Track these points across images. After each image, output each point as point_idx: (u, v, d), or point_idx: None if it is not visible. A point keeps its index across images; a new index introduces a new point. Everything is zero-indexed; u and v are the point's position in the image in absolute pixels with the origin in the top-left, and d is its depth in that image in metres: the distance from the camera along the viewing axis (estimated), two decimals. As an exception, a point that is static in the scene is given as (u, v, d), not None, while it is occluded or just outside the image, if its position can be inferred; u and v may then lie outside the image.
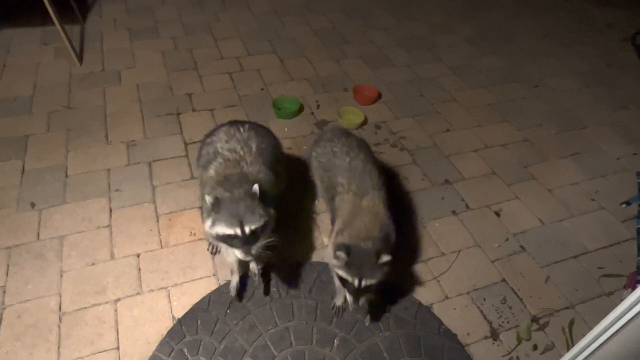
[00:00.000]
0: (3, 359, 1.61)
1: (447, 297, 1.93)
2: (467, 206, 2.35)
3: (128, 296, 1.83)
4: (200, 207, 1.96)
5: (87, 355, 1.64)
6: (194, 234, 2.07)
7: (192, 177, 2.33)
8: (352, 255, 1.51)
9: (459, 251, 2.12)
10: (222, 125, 1.88)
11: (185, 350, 1.67)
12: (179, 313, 1.78)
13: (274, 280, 1.93)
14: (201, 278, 1.91)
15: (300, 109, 2.86)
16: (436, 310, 1.88)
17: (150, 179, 2.32)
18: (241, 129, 1.80)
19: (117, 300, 1.81)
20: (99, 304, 1.79)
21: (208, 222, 1.48)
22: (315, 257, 2.04)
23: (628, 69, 3.64)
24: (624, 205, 2.40)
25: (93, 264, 1.93)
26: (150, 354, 1.66)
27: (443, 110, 3.00)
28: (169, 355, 1.66)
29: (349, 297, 1.57)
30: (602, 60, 3.74)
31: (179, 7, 3.89)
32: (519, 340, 1.81)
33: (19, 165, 2.33)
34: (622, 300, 1.23)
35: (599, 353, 1.31)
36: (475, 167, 2.58)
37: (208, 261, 1.98)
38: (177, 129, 2.64)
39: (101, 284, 1.86)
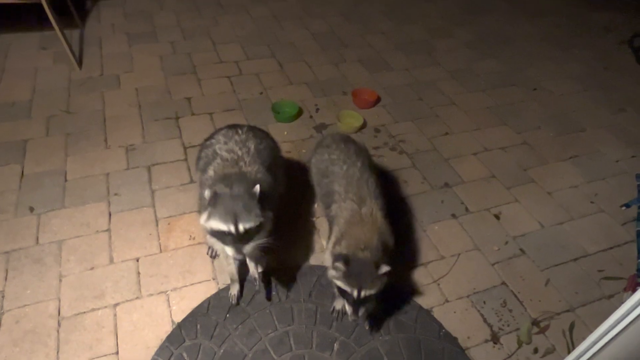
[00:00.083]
0: (1, 365, 1.61)
1: (447, 301, 1.93)
2: (466, 209, 2.35)
3: (127, 301, 1.82)
4: (199, 211, 1.96)
5: (86, 361, 1.64)
6: (193, 238, 2.07)
7: (191, 181, 2.33)
8: (350, 265, 1.49)
9: (459, 254, 2.12)
10: (220, 129, 1.88)
11: (184, 354, 1.66)
12: (179, 317, 1.78)
13: (274, 284, 1.92)
14: (200, 282, 1.91)
15: (299, 112, 2.86)
16: (436, 313, 1.87)
17: (149, 183, 2.32)
18: (239, 131, 1.80)
19: (116, 304, 1.80)
20: (98, 309, 1.78)
21: (204, 216, 1.46)
22: (315, 260, 2.03)
23: (626, 72, 3.65)
24: (623, 208, 2.40)
25: (92, 268, 1.92)
26: (149, 358, 1.65)
27: (442, 113, 3.00)
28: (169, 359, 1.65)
29: (348, 308, 1.55)
30: (599, 63, 3.75)
31: (177, 11, 3.90)
32: (520, 344, 1.80)
33: (18, 169, 2.33)
34: (622, 303, 1.23)
35: (599, 356, 1.31)
36: (474, 171, 2.58)
37: (207, 265, 1.98)
38: (176, 133, 2.64)
39: (100, 288, 1.85)
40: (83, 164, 2.39)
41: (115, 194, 2.24)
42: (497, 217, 2.32)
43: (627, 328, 1.22)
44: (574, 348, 1.71)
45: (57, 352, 1.65)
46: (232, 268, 1.78)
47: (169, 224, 2.13)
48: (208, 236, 1.63)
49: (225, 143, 1.73)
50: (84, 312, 1.77)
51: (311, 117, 2.86)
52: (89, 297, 1.82)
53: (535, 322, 1.87)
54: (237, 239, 1.43)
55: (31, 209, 2.13)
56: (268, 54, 3.44)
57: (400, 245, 2.11)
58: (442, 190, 2.44)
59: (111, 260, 1.96)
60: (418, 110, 3.02)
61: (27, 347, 1.65)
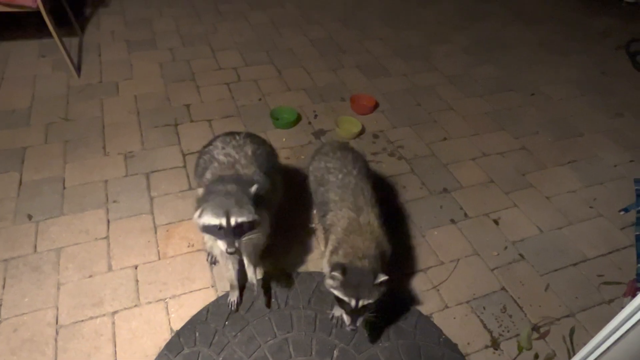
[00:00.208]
0: (-1, 374, 1.60)
1: (447, 307, 1.92)
2: (465, 215, 2.35)
3: (126, 308, 1.81)
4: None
5: (84, 369, 1.63)
6: (192, 245, 2.07)
7: (190, 188, 2.33)
8: (348, 275, 1.48)
9: (458, 260, 2.12)
10: (218, 136, 1.88)
11: (183, 362, 1.66)
12: (177, 325, 1.77)
13: (273, 290, 1.92)
14: (199, 289, 1.90)
15: (298, 119, 2.87)
16: (436, 319, 1.87)
17: (148, 190, 2.31)
18: (237, 137, 1.81)
19: (115, 312, 1.80)
20: (96, 317, 1.78)
21: (197, 212, 1.46)
22: (314, 267, 2.03)
23: (623, 77, 3.67)
24: (622, 213, 2.41)
25: (90, 276, 1.91)
26: (148, 367, 1.65)
27: (440, 119, 3.01)
28: (167, 368, 1.64)
29: (345, 318, 1.54)
30: (597, 68, 3.77)
31: (176, 18, 3.92)
32: (520, 350, 1.80)
33: (16, 177, 2.32)
34: (622, 308, 1.23)
35: (600, 362, 1.31)
36: (473, 176, 2.58)
37: (206, 272, 1.97)
38: (175, 139, 2.64)
39: (98, 296, 1.84)
40: (82, 171, 2.38)
41: (114, 201, 2.24)
42: (496, 222, 2.32)
43: (628, 333, 1.22)
44: (574, 354, 1.71)
45: (55, 361, 1.64)
46: (232, 274, 1.78)
47: (167, 231, 2.12)
48: (206, 240, 1.62)
49: (223, 148, 1.74)
50: (82, 320, 1.76)
51: (310, 123, 2.87)
52: (87, 305, 1.81)
53: (535, 328, 1.87)
54: (230, 233, 1.42)
55: (29, 217, 2.13)
56: (266, 61, 3.45)
57: (400, 251, 2.12)
58: (441, 196, 2.44)
59: (110, 268, 1.95)
60: (416, 115, 3.02)
61: (25, 356, 1.64)
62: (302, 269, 2.02)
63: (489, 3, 4.76)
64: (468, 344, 1.80)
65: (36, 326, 1.73)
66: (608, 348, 1.28)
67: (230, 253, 1.45)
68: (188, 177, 2.39)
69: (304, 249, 2.11)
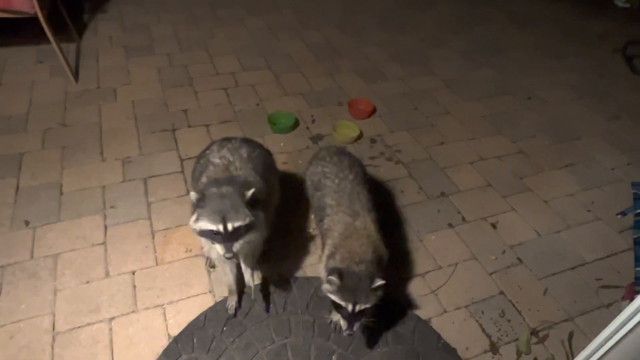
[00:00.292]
0: (-5, 382, 1.59)
1: (445, 311, 1.92)
2: (463, 219, 2.34)
3: (123, 314, 1.80)
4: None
5: (81, 376, 1.62)
6: (190, 251, 2.06)
7: (188, 193, 2.33)
8: (345, 279, 1.48)
9: (456, 264, 2.12)
10: (215, 141, 1.88)
11: (181, 369, 1.65)
12: (175, 331, 1.76)
13: (271, 295, 1.91)
14: (197, 295, 1.90)
15: (296, 123, 2.87)
16: (435, 324, 1.86)
17: (145, 195, 2.31)
18: (233, 141, 1.81)
19: (112, 319, 1.79)
20: (94, 323, 1.77)
21: (192, 217, 1.45)
22: (312, 271, 2.02)
23: (619, 80, 3.68)
24: (619, 216, 2.40)
25: (87, 282, 1.91)
26: (145, 373, 1.64)
27: (437, 123, 3.02)
28: (165, 374, 1.63)
29: (342, 323, 1.53)
30: (594, 71, 3.79)
31: (174, 24, 3.92)
32: (519, 354, 1.79)
33: (13, 183, 2.32)
34: (620, 311, 1.22)
35: (599, 366, 1.30)
36: (470, 180, 2.58)
37: (204, 277, 1.96)
38: (172, 145, 2.64)
39: (96, 302, 1.83)
40: (79, 177, 2.38)
41: (111, 207, 2.23)
42: (494, 226, 2.32)
43: (626, 337, 1.22)
44: (573, 358, 1.71)
45: (52, 368, 1.63)
46: (230, 278, 1.77)
47: (165, 236, 2.12)
48: (203, 243, 1.62)
49: (218, 151, 1.74)
50: (79, 327, 1.75)
51: (307, 128, 2.87)
52: (84, 311, 1.80)
53: (534, 332, 1.87)
54: (227, 238, 1.42)
55: (26, 223, 2.12)
56: (264, 66, 3.46)
57: (397, 255, 2.12)
58: (439, 200, 2.44)
59: (107, 274, 1.94)
60: (414, 120, 3.03)
61: (22, 363, 1.63)
62: (300, 273, 2.02)
63: (486, 7, 4.78)
64: (467, 348, 1.80)
65: (33, 333, 1.72)
66: (606, 352, 1.28)
67: (228, 258, 1.44)
68: (186, 182, 2.39)
69: (302, 254, 2.11)
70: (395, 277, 2.02)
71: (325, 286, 1.53)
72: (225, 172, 1.63)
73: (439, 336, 1.82)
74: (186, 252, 2.06)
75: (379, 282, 1.48)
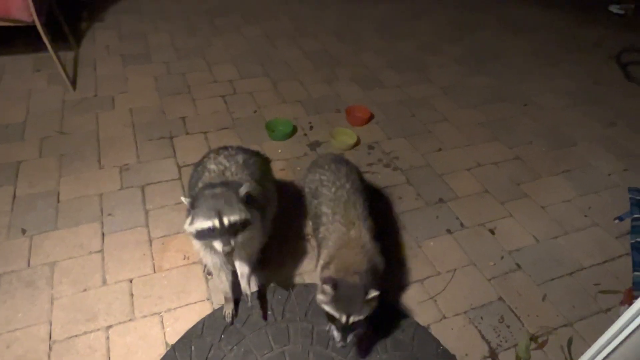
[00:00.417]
0: (-9, 392, 1.57)
1: (444, 317, 1.91)
2: (461, 225, 2.35)
3: (120, 323, 1.79)
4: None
5: (78, 386, 1.60)
6: (188, 258, 2.05)
7: (186, 201, 2.32)
8: (339, 290, 1.47)
9: (455, 270, 2.11)
10: (212, 149, 1.89)
11: (178, 377, 1.63)
12: (173, 339, 1.75)
13: (269, 303, 1.90)
14: (195, 303, 1.89)
15: (294, 130, 2.88)
16: (434, 330, 1.86)
17: (143, 203, 2.31)
18: (229, 149, 1.81)
19: (109, 327, 1.77)
20: (91, 332, 1.75)
21: (187, 221, 1.44)
22: (310, 279, 2.02)
23: (615, 86, 3.71)
24: (617, 221, 2.42)
25: (85, 290, 1.90)
26: (142, 382, 1.62)
27: (435, 129, 3.03)
28: (162, 383, 1.62)
29: (336, 334, 1.53)
30: (589, 78, 3.82)
31: (171, 32, 3.94)
32: (518, 360, 1.79)
33: (10, 191, 2.31)
34: (619, 316, 1.23)
35: (598, 371, 1.30)
36: (468, 186, 2.59)
37: (202, 285, 1.96)
38: (170, 152, 2.64)
39: (93, 310, 1.82)
40: (76, 185, 2.37)
41: (109, 215, 2.23)
42: (492, 232, 2.32)
43: (625, 342, 1.22)
44: (572, 363, 1.71)
45: (48, 377, 1.62)
46: (226, 286, 1.77)
47: (163, 243, 2.11)
48: (197, 249, 1.61)
49: (215, 159, 1.74)
50: (76, 336, 1.74)
51: (305, 135, 2.88)
52: (81, 319, 1.79)
53: (533, 338, 1.86)
54: (224, 233, 1.40)
55: (23, 231, 2.11)
56: (261, 73, 3.47)
57: (396, 262, 2.11)
58: (437, 206, 2.44)
59: (104, 282, 1.93)
60: (411, 126, 3.04)
61: (18, 373, 1.62)
62: (298, 280, 2.01)
63: (481, 14, 4.82)
64: (466, 355, 1.79)
65: (29, 342, 1.70)
66: (606, 357, 1.27)
67: (227, 253, 1.42)
68: (183, 189, 2.39)
69: (300, 261, 2.10)
70: (393, 284, 2.02)
71: (319, 296, 1.52)
72: (220, 178, 1.63)
73: (438, 343, 1.81)
74: (184, 259, 2.05)
75: (373, 293, 1.47)
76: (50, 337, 1.72)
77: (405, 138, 2.92)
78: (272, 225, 1.90)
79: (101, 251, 2.06)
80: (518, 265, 2.16)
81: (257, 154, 1.93)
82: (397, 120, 3.10)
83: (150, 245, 2.10)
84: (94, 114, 2.90)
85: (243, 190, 1.44)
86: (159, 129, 2.82)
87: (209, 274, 1.98)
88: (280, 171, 2.54)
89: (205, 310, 1.86)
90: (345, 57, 3.79)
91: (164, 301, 1.88)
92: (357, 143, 2.83)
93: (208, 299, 1.90)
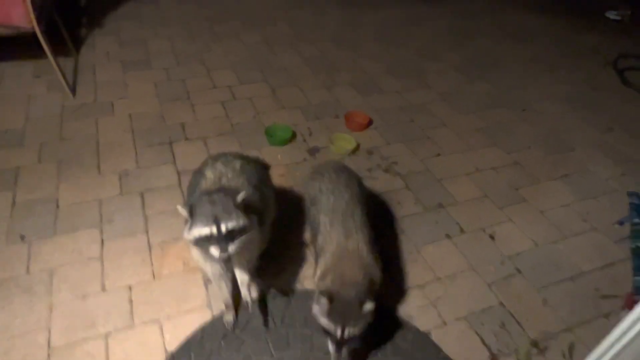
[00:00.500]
0: (-12, 399, 1.56)
1: (444, 323, 1.91)
2: (461, 230, 2.35)
3: (119, 330, 1.78)
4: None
5: (77, 393, 1.59)
6: (188, 264, 2.05)
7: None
8: (334, 302, 1.47)
9: (455, 275, 2.11)
10: (210, 156, 1.89)
11: (178, 384, 1.63)
12: (172, 346, 1.74)
13: (268, 309, 1.90)
14: (195, 309, 1.88)
15: (293, 136, 2.88)
16: (434, 336, 1.85)
17: (142, 208, 2.30)
18: (227, 155, 1.82)
19: (108, 334, 1.76)
20: (89, 338, 1.74)
21: (185, 228, 1.44)
22: (310, 285, 2.01)
23: (612, 92, 3.73)
24: (617, 225, 2.42)
25: (83, 296, 1.89)
26: (142, 389, 1.61)
27: (433, 135, 3.04)
28: (162, 390, 1.61)
29: (330, 347, 1.52)
30: (587, 84, 3.84)
31: (171, 38, 3.96)
32: (519, 366, 1.78)
33: (9, 197, 2.31)
34: (620, 321, 1.22)
35: (600, 376, 1.30)
36: (467, 191, 2.59)
37: (202, 291, 1.95)
38: (169, 158, 2.64)
39: (91, 317, 1.81)
40: (76, 191, 2.37)
41: (108, 221, 2.22)
42: (491, 237, 2.32)
43: (626, 347, 1.21)
44: (573, 369, 1.70)
45: (47, 385, 1.60)
46: (226, 293, 1.76)
47: (162, 250, 2.11)
48: (196, 259, 1.61)
49: (212, 165, 1.74)
50: (75, 342, 1.73)
51: (304, 140, 2.88)
52: (80, 326, 1.78)
53: (534, 343, 1.86)
54: (221, 239, 1.40)
55: (22, 237, 2.11)
56: (261, 79, 3.48)
57: (395, 267, 2.11)
58: (436, 211, 2.44)
59: (103, 288, 1.93)
60: (410, 132, 3.05)
61: (16, 380, 1.61)
62: (298, 286, 2.01)
63: (479, 21, 4.85)
64: (467, 360, 1.79)
65: (28, 349, 1.69)
66: (607, 362, 1.27)
67: (224, 259, 1.42)
68: (183, 195, 2.39)
69: (300, 267, 2.10)
70: (393, 289, 2.01)
71: (315, 308, 1.52)
72: (218, 185, 1.63)
73: (439, 349, 1.80)
74: (184, 265, 2.04)
75: (369, 306, 1.47)
76: (49, 344, 1.71)
77: (404, 143, 2.93)
78: (271, 231, 1.90)
79: (100, 257, 2.05)
80: (518, 270, 2.16)
81: (255, 160, 1.93)
82: (396, 125, 3.10)
83: (150, 251, 2.10)
84: (94, 119, 2.90)
85: (240, 197, 1.45)
86: (158, 134, 2.82)
87: (209, 281, 1.97)
88: (279, 177, 2.54)
89: (205, 317, 1.85)
90: (344, 63, 3.81)
91: (164, 308, 1.87)
92: (356, 148, 2.83)
93: (208, 306, 1.89)
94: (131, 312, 1.84)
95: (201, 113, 3.05)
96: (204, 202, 1.43)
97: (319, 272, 1.65)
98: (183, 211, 1.42)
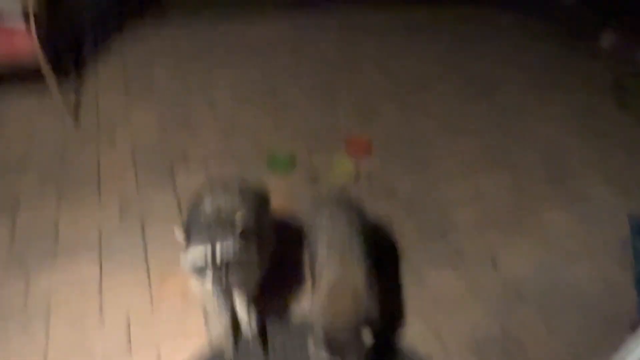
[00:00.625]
0: None
1: (447, 351, 1.88)
2: (462, 256, 2.33)
3: (117, 357, 1.75)
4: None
5: None
6: (186, 292, 2.02)
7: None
8: (332, 340, 1.47)
9: (457, 302, 2.09)
10: (208, 183, 1.90)
11: (176, 417, 1.59)
12: (170, 376, 1.71)
13: (268, 335, 1.87)
14: (193, 338, 1.85)
15: (293, 163, 2.89)
16: (437, 365, 1.82)
17: (142, 236, 2.30)
18: (226, 183, 1.83)
19: (106, 364, 1.74)
20: (86, 369, 1.72)
21: (182, 257, 1.43)
22: (308, 313, 1.98)
23: (610, 116, 3.75)
24: (620, 248, 2.40)
25: (81, 324, 1.87)
26: (138, 422, 1.57)
27: (434, 160, 3.05)
28: (159, 423, 1.57)
29: None
30: (585, 108, 3.86)
31: (175, 66, 4.01)
32: (525, 396, 1.74)
33: (9, 223, 2.31)
34: (625, 346, 1.21)
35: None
36: (468, 216, 2.59)
37: (200, 320, 1.92)
38: (170, 184, 2.65)
39: (89, 345, 1.79)
40: (76, 218, 2.37)
41: (108, 248, 2.21)
42: (493, 262, 2.31)
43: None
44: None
45: (42, 418, 1.57)
46: (224, 321, 1.74)
47: (161, 277, 2.09)
48: (194, 288, 1.60)
49: (211, 193, 1.74)
50: (72, 373, 1.70)
51: (305, 167, 2.89)
52: (77, 354, 1.76)
53: (539, 372, 1.82)
54: (217, 269, 1.39)
55: (21, 263, 2.10)
56: (262, 105, 3.51)
57: (396, 295, 2.09)
58: (437, 237, 2.43)
59: (101, 316, 1.91)
60: (410, 157, 3.06)
61: (10, 413, 1.57)
62: (298, 313, 1.98)
63: (478, 47, 4.92)
64: (471, 390, 1.75)
65: (23, 380, 1.67)
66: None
67: (220, 290, 1.42)
68: (183, 223, 2.37)
69: (300, 294, 2.07)
70: (394, 317, 1.99)
71: (311, 343, 1.51)
72: (215, 211, 1.62)
73: (442, 378, 1.77)
74: (182, 293, 2.02)
75: (368, 340, 1.46)
76: (44, 375, 1.69)
77: (405, 168, 2.94)
78: (271, 258, 1.89)
79: (99, 285, 2.04)
80: (521, 296, 2.13)
81: (254, 187, 1.93)
82: (397, 150, 3.12)
83: (149, 279, 2.08)
84: (95, 146, 2.92)
85: (238, 224, 1.44)
86: (159, 161, 2.83)
87: (208, 309, 1.95)
88: (279, 204, 2.54)
89: (203, 346, 1.82)
90: (345, 89, 3.85)
91: (162, 336, 1.85)
92: (357, 174, 2.84)
93: (206, 335, 1.87)
94: (129, 341, 1.82)
95: (202, 139, 3.07)
96: (201, 229, 1.43)
97: (315, 303, 1.64)
98: (180, 235, 1.42)
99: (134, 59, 4.06)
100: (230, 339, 1.78)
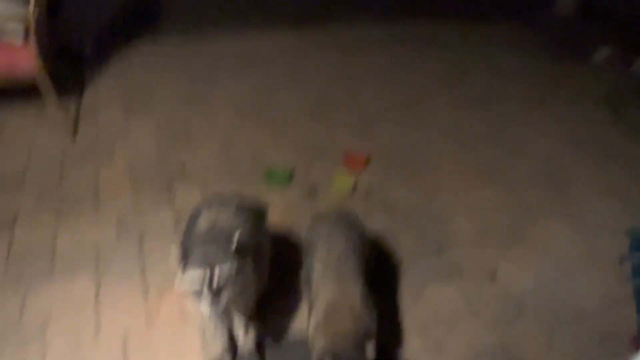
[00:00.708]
0: None
1: (447, 367, 1.86)
2: (461, 270, 2.32)
3: (113, 378, 1.74)
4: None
5: None
6: (184, 310, 2.01)
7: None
8: (335, 359, 1.46)
9: (456, 317, 2.08)
10: (205, 199, 1.89)
11: None
12: (167, 395, 1.69)
13: (266, 354, 1.86)
14: (190, 356, 1.84)
15: (291, 176, 2.90)
16: (437, 381, 1.80)
17: (140, 252, 2.29)
18: (222, 199, 1.82)
19: (102, 382, 1.72)
20: (82, 388, 1.70)
21: (178, 277, 1.42)
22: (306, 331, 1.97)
23: (606, 129, 3.77)
24: (620, 263, 2.40)
25: (78, 342, 1.85)
26: None
27: (432, 174, 3.05)
28: None
29: None
30: (581, 120, 3.88)
31: (173, 80, 4.03)
32: (525, 412, 1.73)
33: (6, 240, 2.30)
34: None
35: None
36: (467, 230, 2.59)
37: (197, 339, 1.91)
38: (168, 201, 2.64)
39: (85, 365, 1.78)
40: (73, 234, 2.37)
41: (105, 264, 2.21)
42: (492, 276, 2.30)
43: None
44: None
45: None
46: (222, 340, 1.73)
47: (159, 294, 2.08)
48: (191, 307, 1.59)
49: (208, 208, 1.74)
50: (67, 392, 1.68)
51: (303, 180, 2.89)
52: (73, 375, 1.74)
53: (539, 388, 1.81)
54: (214, 292, 1.38)
55: (18, 280, 2.09)
56: (260, 119, 3.53)
57: (394, 311, 2.08)
58: (436, 251, 2.43)
59: (98, 333, 1.89)
60: (408, 171, 3.07)
61: None
62: (296, 331, 1.97)
63: (477, 59, 4.96)
64: (471, 407, 1.73)
65: (18, 400, 1.65)
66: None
67: (216, 311, 1.41)
68: (181, 239, 2.37)
69: (297, 312, 2.06)
70: (393, 333, 1.97)
71: None
72: (212, 228, 1.62)
73: (441, 395, 1.75)
74: (179, 311, 2.01)
75: (370, 352, 1.47)
76: (40, 395, 1.67)
77: (403, 182, 2.94)
78: (268, 276, 1.88)
79: (96, 302, 2.03)
80: (521, 311, 2.12)
81: (251, 202, 1.93)
82: (395, 164, 3.12)
83: (146, 296, 2.07)
84: (94, 162, 2.92)
85: (234, 242, 1.44)
86: (157, 177, 2.83)
87: (205, 327, 1.93)
88: (276, 219, 2.54)
89: (201, 363, 1.81)
90: (343, 102, 3.87)
91: (159, 355, 1.83)
92: (355, 187, 2.84)
93: (204, 353, 1.85)
94: (126, 359, 1.80)
95: (201, 155, 3.07)
96: (197, 247, 1.43)
97: (312, 321, 1.63)
98: (176, 256, 1.42)
99: (133, 75, 4.08)
100: (228, 358, 1.77)
